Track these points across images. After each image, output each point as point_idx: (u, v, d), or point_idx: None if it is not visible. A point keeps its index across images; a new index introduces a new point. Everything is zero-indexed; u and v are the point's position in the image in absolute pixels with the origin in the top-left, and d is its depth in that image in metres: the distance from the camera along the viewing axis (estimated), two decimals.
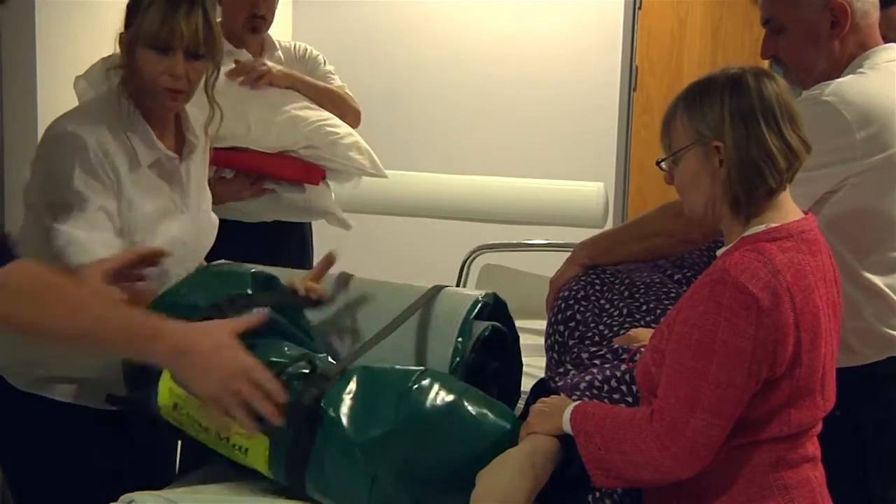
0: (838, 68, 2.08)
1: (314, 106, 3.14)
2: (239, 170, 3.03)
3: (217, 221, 2.40)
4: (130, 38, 2.12)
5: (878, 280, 2.04)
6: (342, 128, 3.17)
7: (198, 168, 2.32)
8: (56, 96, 3.12)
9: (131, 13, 2.13)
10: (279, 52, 3.25)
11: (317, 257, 3.52)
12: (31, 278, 1.50)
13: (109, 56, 2.65)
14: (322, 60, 3.35)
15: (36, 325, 1.50)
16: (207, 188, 2.40)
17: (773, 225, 1.66)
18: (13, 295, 1.46)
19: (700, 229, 2.00)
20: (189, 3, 2.09)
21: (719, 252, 1.71)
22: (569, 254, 2.30)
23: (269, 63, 3.05)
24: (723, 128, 1.64)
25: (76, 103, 2.89)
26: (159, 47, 2.09)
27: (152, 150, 2.16)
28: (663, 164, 1.74)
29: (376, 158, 3.24)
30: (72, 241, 2.00)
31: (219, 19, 3.42)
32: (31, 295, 1.49)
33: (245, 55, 3.11)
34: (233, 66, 2.96)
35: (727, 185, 1.65)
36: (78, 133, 2.06)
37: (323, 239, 3.46)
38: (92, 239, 2.00)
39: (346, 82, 3.38)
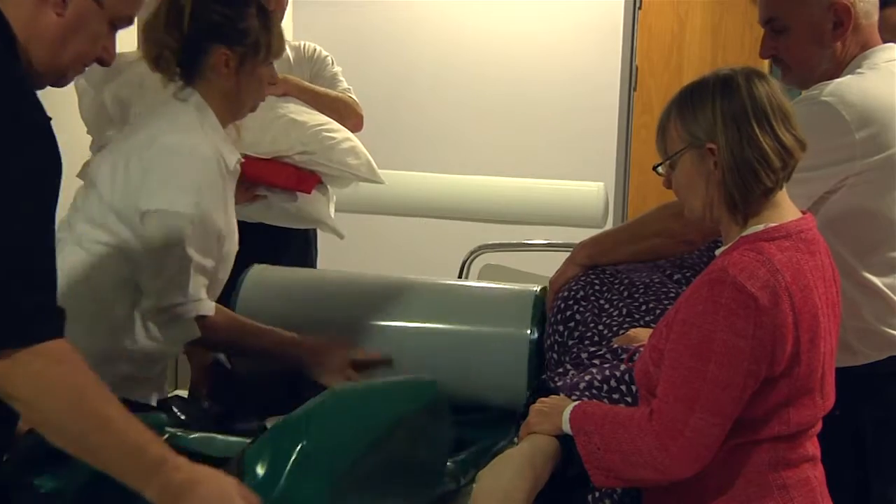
0: (840, 68, 2.08)
1: (312, 110, 3.14)
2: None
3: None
4: (248, 58, 2.16)
5: (877, 280, 2.04)
6: (340, 132, 3.16)
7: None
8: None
9: (242, 35, 2.14)
10: (289, 51, 3.24)
11: (321, 256, 3.55)
12: (71, 378, 1.34)
13: (126, 54, 2.67)
14: (330, 62, 3.35)
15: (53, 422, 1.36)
16: None
17: (772, 225, 1.66)
18: (47, 390, 1.32)
19: (699, 230, 2.00)
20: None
21: (718, 252, 1.71)
22: (568, 254, 2.30)
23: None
24: (715, 130, 1.64)
25: (76, 102, 2.90)
26: (274, 61, 2.23)
27: (233, 155, 2.21)
28: (660, 169, 1.74)
29: (373, 164, 3.23)
30: (201, 305, 2.11)
31: None
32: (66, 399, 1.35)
33: None
34: None
35: (723, 186, 1.65)
36: (201, 146, 2.11)
37: (327, 238, 3.47)
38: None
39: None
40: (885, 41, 2.13)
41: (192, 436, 1.59)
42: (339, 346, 2.23)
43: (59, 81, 1.48)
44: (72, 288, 1.99)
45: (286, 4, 3.20)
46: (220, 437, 1.58)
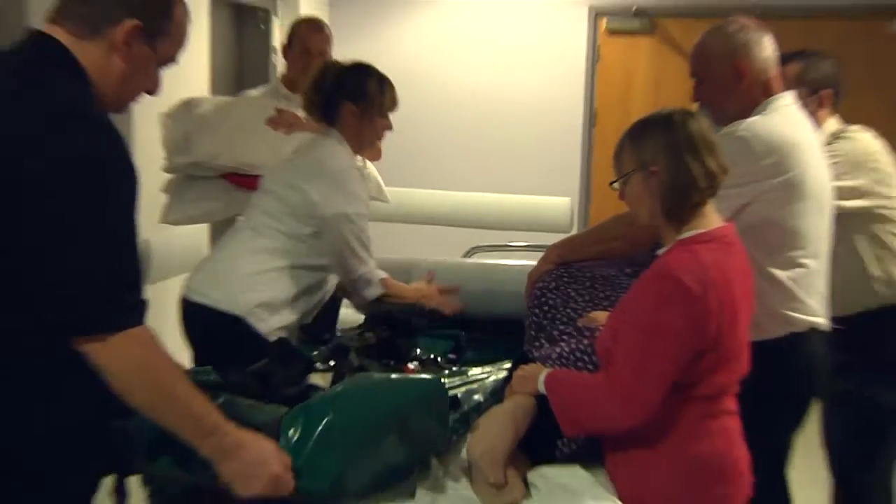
0: (749, 110, 2.08)
1: None
2: None
3: None
4: (367, 111, 2.36)
5: (780, 274, 2.03)
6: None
7: None
8: (149, 129, 3.12)
9: (370, 95, 2.36)
10: None
11: None
12: (150, 358, 1.33)
13: (195, 98, 2.66)
14: None
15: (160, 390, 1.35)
16: None
17: (701, 231, 1.66)
18: (130, 367, 1.31)
19: (647, 235, 1.99)
20: None
21: (659, 252, 1.71)
22: (542, 253, 2.29)
23: (300, 112, 3.02)
24: (658, 157, 1.64)
25: (158, 135, 2.90)
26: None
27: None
28: (615, 185, 1.74)
29: (383, 186, 3.21)
30: (377, 271, 2.35)
31: (281, 70, 3.43)
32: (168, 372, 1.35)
33: (299, 102, 3.10)
34: (274, 112, 2.91)
35: (662, 200, 1.65)
36: (354, 167, 2.37)
37: None
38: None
39: None
40: (785, 90, 2.13)
41: (245, 403, 1.57)
42: (433, 286, 2.47)
43: (121, 110, 1.47)
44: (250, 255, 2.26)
45: (330, 55, 3.20)
46: (265, 406, 1.55)
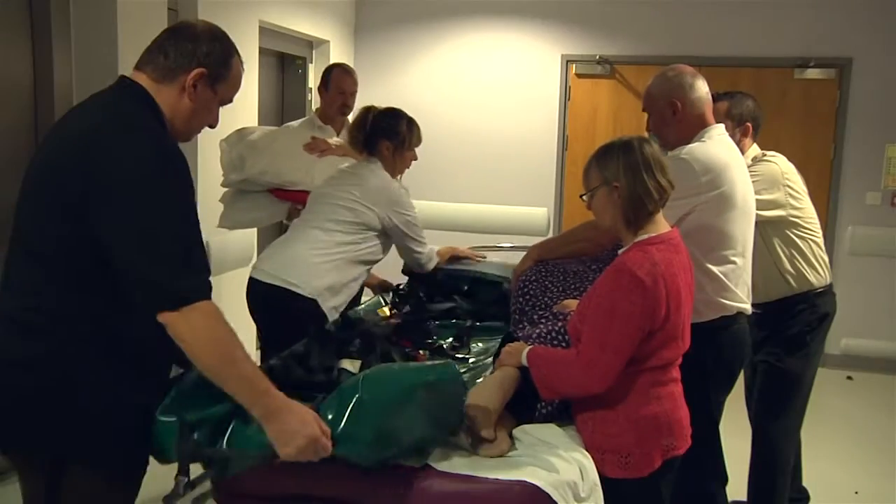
0: (686, 138, 2.06)
1: None
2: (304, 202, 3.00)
3: None
4: (402, 146, 2.43)
5: (715, 269, 2.02)
6: None
7: None
8: (210, 153, 3.09)
9: (396, 135, 2.41)
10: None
11: None
12: (214, 329, 1.29)
13: (246, 128, 2.63)
14: None
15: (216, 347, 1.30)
16: None
17: (653, 235, 1.64)
18: (199, 335, 1.28)
19: (608, 238, 1.98)
20: None
21: (620, 252, 1.69)
22: (525, 252, 2.28)
23: (331, 140, 2.99)
24: (619, 174, 1.62)
25: (217, 157, 2.88)
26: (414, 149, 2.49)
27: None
28: (584, 198, 1.71)
29: None
30: (433, 255, 2.52)
31: (316, 105, 3.40)
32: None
33: (330, 132, 3.08)
34: (310, 140, 2.87)
35: (623, 210, 1.63)
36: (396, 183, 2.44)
37: None
38: None
39: None
40: (716, 122, 2.12)
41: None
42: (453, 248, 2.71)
43: (188, 139, 1.48)
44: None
45: (356, 89, 3.17)
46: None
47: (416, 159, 2.51)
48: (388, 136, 2.40)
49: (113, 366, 1.31)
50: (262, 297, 2.33)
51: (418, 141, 2.47)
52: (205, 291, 1.29)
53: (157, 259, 1.26)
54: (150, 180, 1.27)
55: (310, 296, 2.24)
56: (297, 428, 1.30)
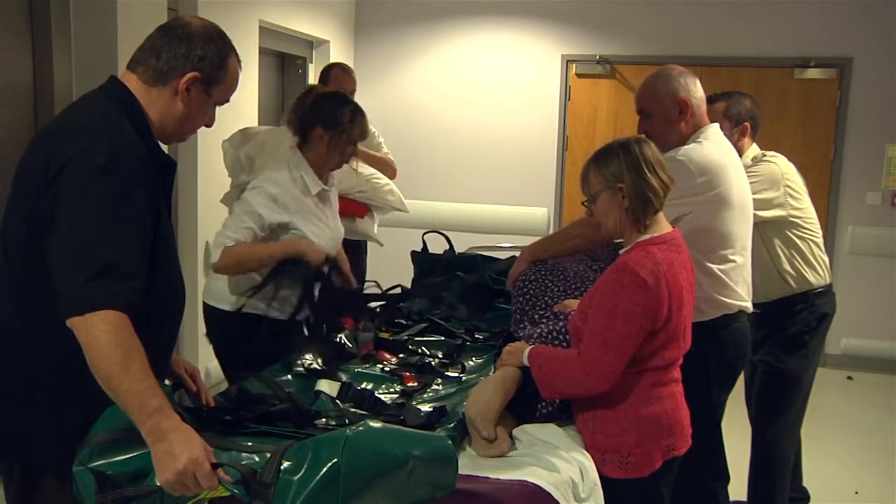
0: (685, 139, 2.06)
1: (366, 166, 3.11)
2: None
3: (343, 231, 2.32)
4: (340, 138, 2.10)
5: (715, 268, 2.02)
6: (383, 179, 3.16)
7: (335, 198, 2.29)
8: (210, 153, 3.09)
9: (337, 123, 2.09)
10: None
11: (369, 255, 3.51)
12: (115, 339, 1.20)
13: (249, 128, 2.62)
14: (377, 134, 3.29)
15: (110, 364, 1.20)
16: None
17: (655, 234, 1.64)
18: (97, 343, 1.19)
19: (600, 235, 1.96)
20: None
21: (621, 251, 1.68)
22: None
23: None
24: (622, 175, 1.61)
25: (221, 156, 2.88)
26: (357, 143, 2.17)
27: (316, 185, 2.14)
28: (586, 204, 1.70)
29: (403, 199, 3.22)
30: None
31: None
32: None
33: None
34: None
35: (631, 210, 1.62)
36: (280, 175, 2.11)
37: (373, 244, 3.44)
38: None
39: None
40: (713, 123, 2.12)
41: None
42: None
43: (182, 140, 1.46)
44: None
45: (355, 88, 3.15)
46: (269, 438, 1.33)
47: (354, 154, 2.28)
48: (325, 123, 2.08)
49: (89, 378, 1.22)
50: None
51: (362, 135, 2.15)
52: (118, 300, 1.20)
53: (73, 264, 1.20)
54: (84, 184, 1.21)
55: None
56: (178, 450, 1.15)
